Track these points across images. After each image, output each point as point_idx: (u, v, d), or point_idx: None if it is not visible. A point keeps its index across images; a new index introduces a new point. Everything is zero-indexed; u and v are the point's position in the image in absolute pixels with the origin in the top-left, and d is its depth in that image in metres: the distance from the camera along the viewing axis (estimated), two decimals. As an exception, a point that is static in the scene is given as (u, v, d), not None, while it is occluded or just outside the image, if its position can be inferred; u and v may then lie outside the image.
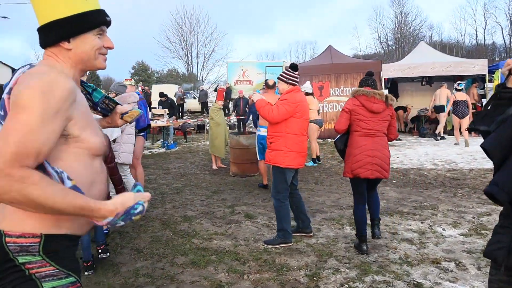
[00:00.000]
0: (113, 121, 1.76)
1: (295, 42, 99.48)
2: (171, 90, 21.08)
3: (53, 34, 1.28)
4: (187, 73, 36.99)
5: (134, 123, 5.23)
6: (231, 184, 6.87)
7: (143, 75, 46.17)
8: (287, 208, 3.91)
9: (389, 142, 3.89)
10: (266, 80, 6.66)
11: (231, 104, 19.22)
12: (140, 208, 1.27)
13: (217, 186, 6.71)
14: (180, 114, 19.61)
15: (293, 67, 3.95)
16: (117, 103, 1.73)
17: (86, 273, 3.35)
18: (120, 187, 4.04)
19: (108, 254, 3.63)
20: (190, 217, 4.95)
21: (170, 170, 8.34)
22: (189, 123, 13.69)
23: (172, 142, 12.03)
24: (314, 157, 8.24)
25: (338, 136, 3.92)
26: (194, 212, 5.21)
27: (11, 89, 1.20)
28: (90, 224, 1.38)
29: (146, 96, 20.69)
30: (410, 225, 4.51)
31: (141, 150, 5.99)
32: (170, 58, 36.15)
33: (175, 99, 19.61)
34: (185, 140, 13.28)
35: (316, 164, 8.23)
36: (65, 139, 1.24)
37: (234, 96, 18.12)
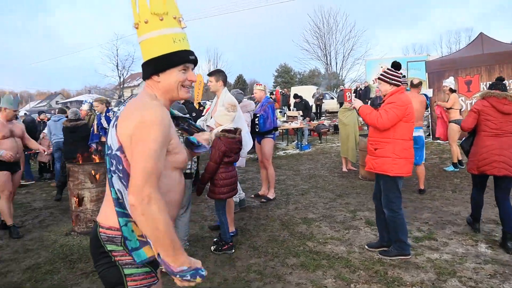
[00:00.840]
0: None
1: (447, 31, 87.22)
2: (309, 92, 21.44)
3: (148, 69, 1.58)
4: (326, 73, 36.94)
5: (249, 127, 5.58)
6: (358, 187, 6.69)
7: (286, 77, 47.95)
8: (402, 218, 3.66)
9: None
10: (409, 79, 6.37)
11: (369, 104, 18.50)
12: (204, 273, 1.46)
13: (343, 189, 6.62)
14: (318, 115, 19.78)
15: (396, 65, 3.68)
16: (200, 130, 1.96)
17: (232, 251, 4.05)
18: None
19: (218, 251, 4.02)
20: (309, 220, 5.03)
21: (300, 171, 8.54)
22: (323, 124, 13.72)
23: (306, 143, 12.26)
24: (455, 161, 7.37)
25: (464, 138, 4.21)
26: (315, 214, 5.27)
27: (116, 122, 1.48)
28: None
29: (285, 98, 21.50)
30: None
31: (271, 151, 6.28)
32: (308, 59, 36.66)
33: (312, 100, 19.91)
34: (319, 141, 13.37)
35: (458, 169, 7.35)
36: None
37: (373, 95, 17.40)
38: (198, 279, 1.44)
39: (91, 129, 7.02)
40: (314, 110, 19.89)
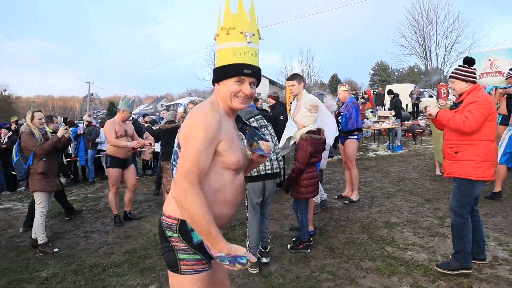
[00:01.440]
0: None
1: None
2: (406, 90, 20.22)
3: (213, 77, 1.79)
4: (424, 70, 34.32)
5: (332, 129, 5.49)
6: (451, 192, 6.18)
7: (383, 75, 45.76)
8: (469, 225, 3.34)
9: None
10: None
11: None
12: (244, 261, 1.57)
13: (433, 194, 6.21)
14: (415, 114, 18.59)
15: (468, 61, 3.34)
16: (264, 139, 2.01)
17: (308, 251, 4.12)
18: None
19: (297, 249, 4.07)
20: (392, 224, 4.84)
21: (389, 174, 8.20)
22: (418, 125, 12.87)
23: (398, 144, 11.67)
24: None
25: None
26: (398, 219, 5.05)
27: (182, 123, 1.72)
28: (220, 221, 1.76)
29: (379, 97, 20.63)
30: None
31: (354, 152, 6.17)
32: (406, 55, 34.36)
33: (409, 100, 18.75)
34: (413, 142, 12.61)
35: None
36: None
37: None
38: (238, 266, 1.56)
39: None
40: (410, 109, 18.72)
